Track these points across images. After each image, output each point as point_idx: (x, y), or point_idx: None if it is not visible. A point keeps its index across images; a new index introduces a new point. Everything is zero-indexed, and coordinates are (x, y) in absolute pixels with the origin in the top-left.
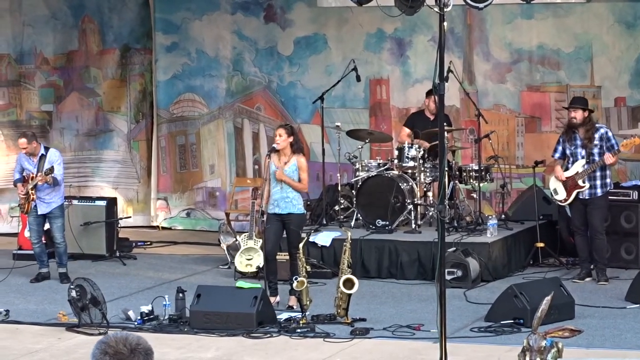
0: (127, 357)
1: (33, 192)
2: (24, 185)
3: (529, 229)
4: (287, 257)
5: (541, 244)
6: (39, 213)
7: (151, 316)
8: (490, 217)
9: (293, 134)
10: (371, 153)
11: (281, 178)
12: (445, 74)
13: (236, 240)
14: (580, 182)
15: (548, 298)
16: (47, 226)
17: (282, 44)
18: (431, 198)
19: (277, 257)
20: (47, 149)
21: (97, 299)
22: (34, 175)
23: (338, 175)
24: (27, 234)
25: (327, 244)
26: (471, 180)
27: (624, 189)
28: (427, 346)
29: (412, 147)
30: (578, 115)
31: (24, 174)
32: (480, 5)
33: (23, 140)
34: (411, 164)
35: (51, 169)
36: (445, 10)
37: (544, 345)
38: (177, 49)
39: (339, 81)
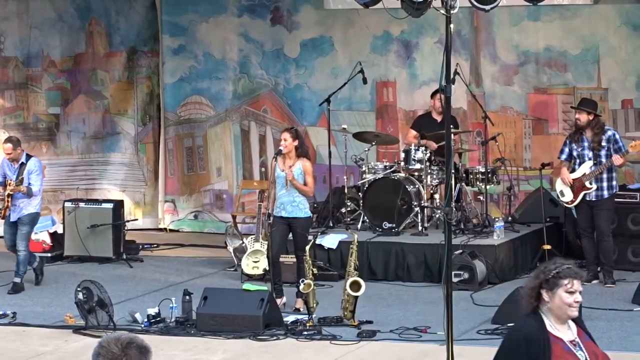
0: (119, 356)
1: (9, 199)
2: (4, 190)
3: (535, 231)
4: (294, 260)
5: (548, 246)
6: (12, 220)
7: (158, 318)
8: (497, 219)
9: (298, 137)
10: (378, 155)
11: (291, 181)
12: (452, 76)
13: (243, 242)
14: (587, 184)
15: None
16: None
17: (288, 46)
18: (438, 200)
19: (284, 259)
20: (29, 157)
21: (104, 301)
22: (11, 182)
23: (345, 177)
24: (34, 236)
25: (334, 247)
26: (478, 183)
27: (630, 191)
28: (434, 348)
29: (418, 150)
30: (582, 117)
31: (6, 179)
32: (487, 8)
33: (8, 146)
34: (418, 166)
35: (21, 181)
36: (451, 12)
37: None
38: (184, 51)
39: (345, 83)
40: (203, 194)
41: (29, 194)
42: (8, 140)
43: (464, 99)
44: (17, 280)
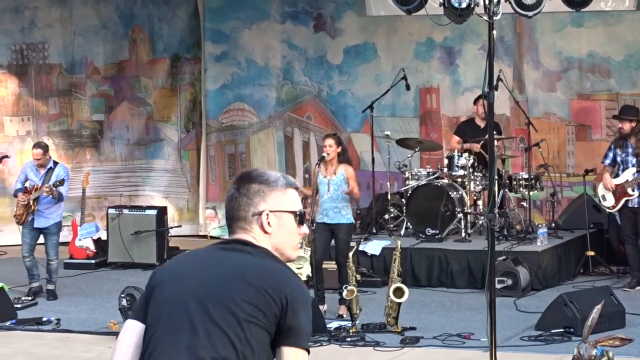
0: (235, 192)
1: (34, 203)
2: (26, 195)
3: (579, 237)
4: (337, 266)
5: (591, 253)
6: (35, 226)
7: None
8: (540, 225)
9: (341, 143)
10: (421, 162)
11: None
12: (495, 83)
13: None
14: (629, 191)
15: (598, 307)
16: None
17: (331, 52)
18: (481, 207)
19: (327, 266)
20: (55, 163)
21: None
22: (39, 187)
23: (388, 184)
24: (77, 243)
25: (377, 253)
26: (521, 189)
27: None
28: (477, 355)
29: (462, 156)
30: (625, 126)
31: (27, 184)
32: (530, 14)
33: (38, 151)
34: (461, 172)
35: (61, 182)
36: (494, 18)
37: (595, 354)
38: (226, 58)
39: (388, 90)
40: None
41: (59, 199)
42: (38, 145)
43: (507, 105)
44: (51, 287)
